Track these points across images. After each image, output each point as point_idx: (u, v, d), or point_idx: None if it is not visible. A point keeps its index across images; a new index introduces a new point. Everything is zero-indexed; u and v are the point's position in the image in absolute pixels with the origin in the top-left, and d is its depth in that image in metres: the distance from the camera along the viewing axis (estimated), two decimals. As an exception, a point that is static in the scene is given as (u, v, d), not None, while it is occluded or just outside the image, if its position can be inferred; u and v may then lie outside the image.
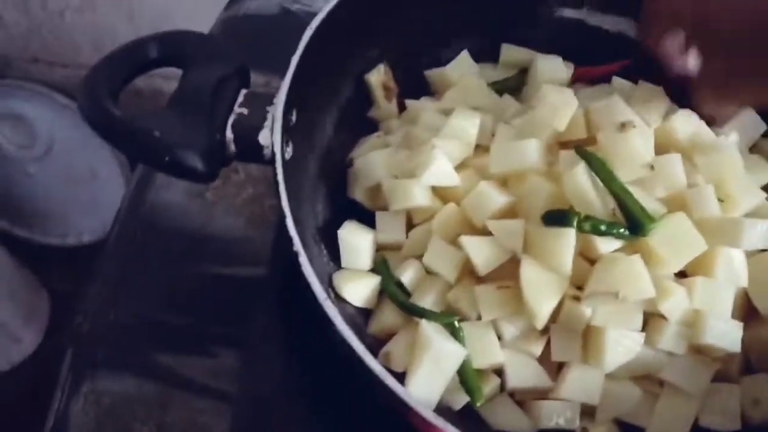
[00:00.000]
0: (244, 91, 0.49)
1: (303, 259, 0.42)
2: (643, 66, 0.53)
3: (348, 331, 0.40)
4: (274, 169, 0.45)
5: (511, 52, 0.63)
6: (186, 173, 0.45)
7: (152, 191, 0.68)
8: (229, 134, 0.46)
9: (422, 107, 0.59)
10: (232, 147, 0.47)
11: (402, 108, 0.62)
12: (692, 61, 0.48)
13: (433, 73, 0.63)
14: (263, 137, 0.46)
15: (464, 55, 0.61)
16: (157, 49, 0.49)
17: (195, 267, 0.64)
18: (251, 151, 0.46)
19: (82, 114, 0.45)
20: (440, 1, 0.62)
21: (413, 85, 0.64)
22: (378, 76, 0.59)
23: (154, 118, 0.45)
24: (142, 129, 0.43)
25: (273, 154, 0.45)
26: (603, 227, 0.46)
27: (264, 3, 0.82)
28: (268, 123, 0.47)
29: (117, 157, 1.49)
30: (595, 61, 0.64)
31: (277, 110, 0.47)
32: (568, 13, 0.64)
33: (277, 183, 0.44)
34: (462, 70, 0.60)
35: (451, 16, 0.63)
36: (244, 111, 0.47)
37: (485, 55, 0.65)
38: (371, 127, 0.62)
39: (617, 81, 0.58)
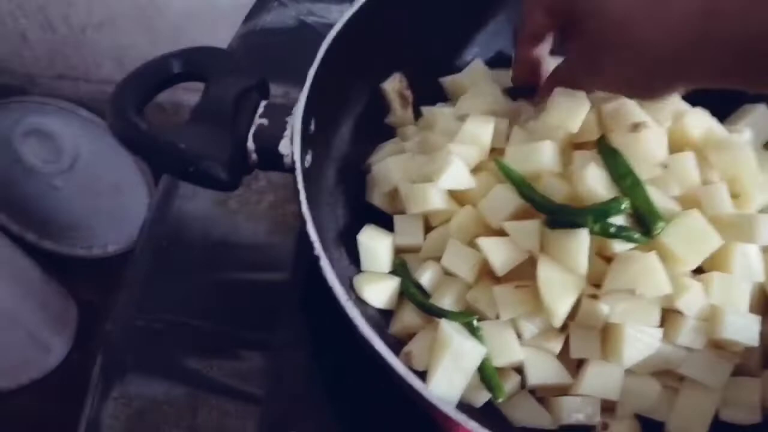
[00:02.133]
0: (264, 103, 0.51)
1: (324, 263, 0.43)
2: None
3: (370, 331, 0.42)
4: (294, 177, 0.46)
5: None
6: (210, 183, 0.46)
7: (177, 201, 0.71)
8: (250, 144, 0.48)
9: (438, 113, 0.60)
10: (254, 156, 0.48)
11: (418, 114, 0.63)
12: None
13: (447, 80, 0.64)
14: (283, 146, 0.48)
15: (477, 62, 0.62)
16: (180, 65, 0.51)
17: (220, 273, 0.66)
18: (272, 160, 0.48)
19: (111, 130, 0.47)
20: (454, 16, 0.63)
21: (430, 92, 0.65)
22: (393, 85, 0.61)
23: (179, 131, 0.47)
24: (168, 142, 0.45)
25: (293, 162, 0.47)
26: (613, 230, 0.47)
27: (280, 16, 0.84)
28: (287, 133, 0.48)
29: (140, 169, 1.52)
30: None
31: (296, 120, 0.48)
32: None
33: (297, 191, 0.46)
34: (476, 77, 0.62)
35: (465, 27, 0.64)
36: (265, 122, 0.49)
37: (501, 61, 0.66)
38: (388, 133, 0.63)
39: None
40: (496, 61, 0.66)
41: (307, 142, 0.49)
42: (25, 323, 1.41)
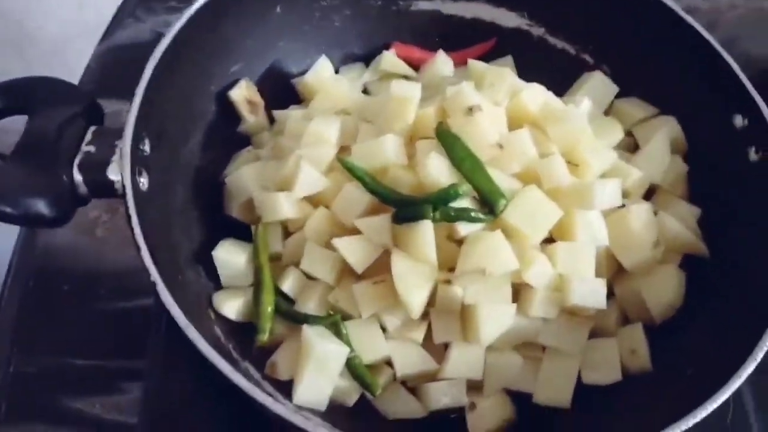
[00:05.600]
0: (92, 128, 0.49)
1: (161, 288, 0.42)
2: None
3: (211, 351, 0.41)
4: (125, 202, 0.44)
5: (390, 62, 0.64)
6: (35, 221, 0.44)
7: (41, 236, 0.67)
8: (77, 175, 0.46)
9: (287, 116, 0.59)
10: (83, 187, 0.46)
11: (273, 119, 0.63)
12: None
13: (297, 82, 0.63)
14: (112, 172, 0.46)
15: (323, 60, 0.62)
16: (0, 100, 0.48)
17: (90, 305, 0.64)
18: (102, 187, 0.46)
19: None
20: (296, 19, 0.62)
21: (285, 95, 0.64)
22: (240, 92, 0.59)
23: (-4, 171, 0.44)
24: (-21, 184, 0.43)
25: (124, 187, 0.45)
26: (452, 213, 0.47)
27: (136, 32, 0.81)
28: (116, 157, 0.46)
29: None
30: (457, 46, 0.66)
31: (125, 143, 0.46)
32: (424, 5, 0.65)
33: (129, 217, 0.44)
34: (324, 75, 0.61)
35: (309, 29, 0.63)
36: (92, 149, 0.47)
37: (350, 57, 0.66)
38: (244, 142, 0.62)
39: (473, 63, 0.60)
40: (345, 58, 0.65)
41: (141, 163, 0.48)
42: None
